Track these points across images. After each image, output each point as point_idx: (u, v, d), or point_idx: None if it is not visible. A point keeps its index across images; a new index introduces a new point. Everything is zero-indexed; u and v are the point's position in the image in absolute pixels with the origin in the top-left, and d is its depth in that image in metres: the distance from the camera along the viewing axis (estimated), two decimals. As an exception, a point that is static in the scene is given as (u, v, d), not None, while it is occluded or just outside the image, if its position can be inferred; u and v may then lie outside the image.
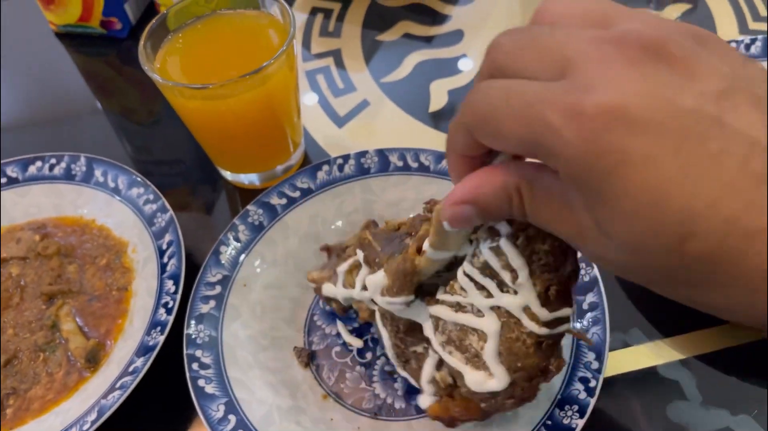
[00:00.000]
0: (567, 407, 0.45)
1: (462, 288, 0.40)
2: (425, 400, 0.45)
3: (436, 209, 0.36)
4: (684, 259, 0.26)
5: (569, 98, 0.26)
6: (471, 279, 0.39)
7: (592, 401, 0.44)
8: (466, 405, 0.43)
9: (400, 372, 0.48)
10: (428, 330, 0.43)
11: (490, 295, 0.38)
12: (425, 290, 0.43)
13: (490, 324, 0.38)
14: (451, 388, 0.44)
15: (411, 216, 0.49)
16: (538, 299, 0.37)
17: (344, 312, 0.53)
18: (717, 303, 0.27)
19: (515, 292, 0.37)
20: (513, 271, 0.36)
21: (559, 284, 0.36)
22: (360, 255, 0.47)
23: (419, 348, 0.45)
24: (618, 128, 0.25)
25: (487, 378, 0.39)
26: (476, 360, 0.40)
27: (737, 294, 0.26)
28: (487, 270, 0.38)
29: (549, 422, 0.44)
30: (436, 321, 0.42)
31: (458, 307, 0.40)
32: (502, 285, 0.38)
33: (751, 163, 0.24)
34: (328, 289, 0.51)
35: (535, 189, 0.31)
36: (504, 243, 0.36)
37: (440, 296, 0.41)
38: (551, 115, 0.27)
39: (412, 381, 0.47)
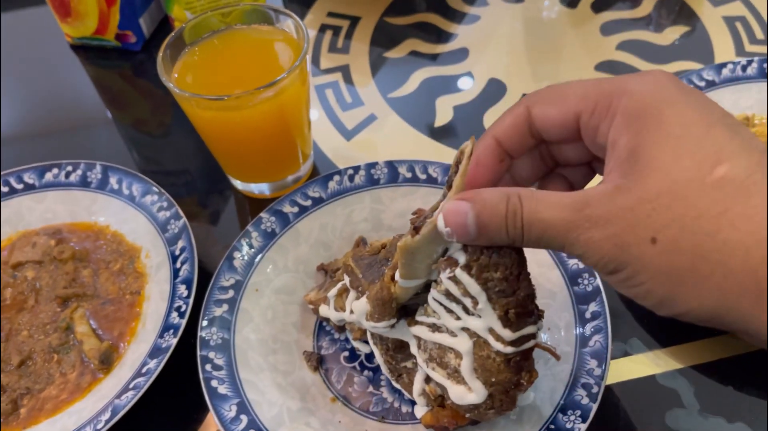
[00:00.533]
0: (570, 412, 0.46)
1: (434, 311, 0.42)
2: (419, 411, 0.48)
3: (399, 245, 0.39)
4: None
5: None
6: (440, 303, 0.42)
7: (594, 406, 0.46)
8: (455, 414, 0.46)
9: (394, 384, 0.50)
10: (413, 347, 0.46)
11: (458, 317, 0.41)
12: (409, 309, 0.45)
13: (462, 344, 0.41)
14: (442, 398, 0.46)
15: (394, 236, 0.51)
16: (500, 321, 0.39)
17: (341, 330, 0.55)
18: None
19: (479, 316, 0.40)
20: (473, 298, 0.39)
21: (517, 306, 0.38)
22: (346, 280, 0.50)
23: (409, 364, 0.48)
24: None
25: (467, 392, 0.42)
26: (456, 375, 0.42)
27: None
28: (450, 296, 0.40)
29: (552, 426, 0.46)
30: (418, 339, 0.45)
31: (434, 328, 0.43)
32: (466, 309, 0.40)
33: None
34: (323, 311, 0.53)
35: (536, 193, 0.34)
36: (459, 273, 0.38)
37: (418, 317, 0.44)
38: None
39: (406, 394, 0.49)
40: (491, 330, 0.39)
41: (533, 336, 0.40)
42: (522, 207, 0.34)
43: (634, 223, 0.31)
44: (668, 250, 0.30)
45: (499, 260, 0.37)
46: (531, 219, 0.34)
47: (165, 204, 0.63)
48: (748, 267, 0.29)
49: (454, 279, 0.39)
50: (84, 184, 0.66)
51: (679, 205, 0.30)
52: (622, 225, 0.31)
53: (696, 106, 0.32)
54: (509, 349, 0.39)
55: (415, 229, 0.39)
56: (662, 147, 0.32)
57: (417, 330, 0.44)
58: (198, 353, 0.51)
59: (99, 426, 0.49)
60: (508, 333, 0.39)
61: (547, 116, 0.38)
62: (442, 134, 0.74)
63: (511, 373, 0.40)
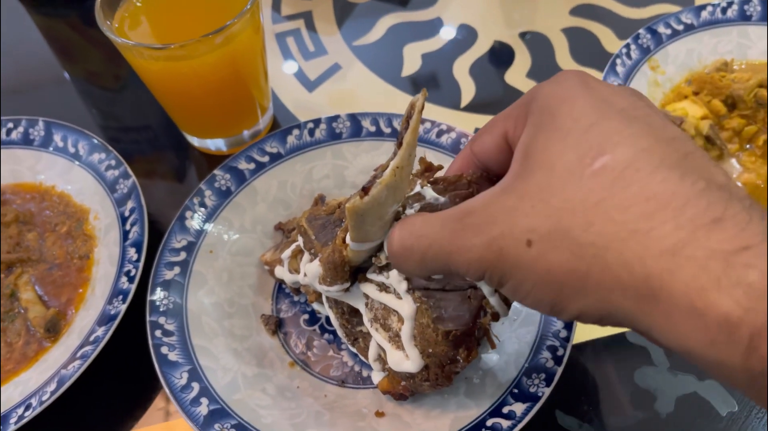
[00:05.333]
0: (534, 375, 0.44)
1: (386, 261, 0.40)
2: (376, 376, 0.46)
3: (347, 207, 0.36)
4: None
5: None
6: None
7: (560, 369, 0.44)
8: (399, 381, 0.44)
9: (351, 349, 0.49)
10: (361, 305, 0.44)
11: (407, 278, 0.40)
12: (363, 269, 0.43)
13: (405, 308, 0.40)
14: None
15: (351, 195, 0.48)
16: None
17: (298, 293, 0.53)
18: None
19: None
20: None
21: None
22: (300, 241, 0.47)
23: (365, 328, 0.46)
24: None
25: (404, 359, 0.41)
26: (397, 340, 0.41)
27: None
28: None
29: (516, 390, 0.44)
30: (367, 297, 0.43)
31: (382, 287, 0.42)
32: None
33: None
34: (279, 272, 0.51)
35: (420, 215, 0.36)
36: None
37: (369, 275, 0.42)
38: None
39: (363, 358, 0.47)
40: None
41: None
42: (405, 228, 0.34)
43: (512, 224, 0.29)
44: (543, 251, 0.28)
45: None
46: (412, 237, 0.33)
47: (113, 162, 0.59)
48: (623, 261, 0.26)
49: None
50: (26, 141, 0.62)
51: (556, 199, 0.28)
52: (501, 227, 0.29)
53: (594, 99, 0.30)
54: None
55: (364, 190, 0.37)
56: (551, 142, 0.30)
57: (366, 287, 0.42)
58: (147, 318, 0.49)
59: (44, 398, 0.47)
60: None
61: (482, 145, 0.38)
62: (411, 84, 0.71)
63: (448, 347, 0.39)
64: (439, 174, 0.43)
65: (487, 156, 0.38)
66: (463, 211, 0.31)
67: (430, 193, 0.39)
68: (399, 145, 0.36)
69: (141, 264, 0.52)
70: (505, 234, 0.29)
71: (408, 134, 0.35)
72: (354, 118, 0.59)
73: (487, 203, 0.31)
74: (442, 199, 0.39)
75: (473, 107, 0.68)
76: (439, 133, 0.57)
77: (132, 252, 0.53)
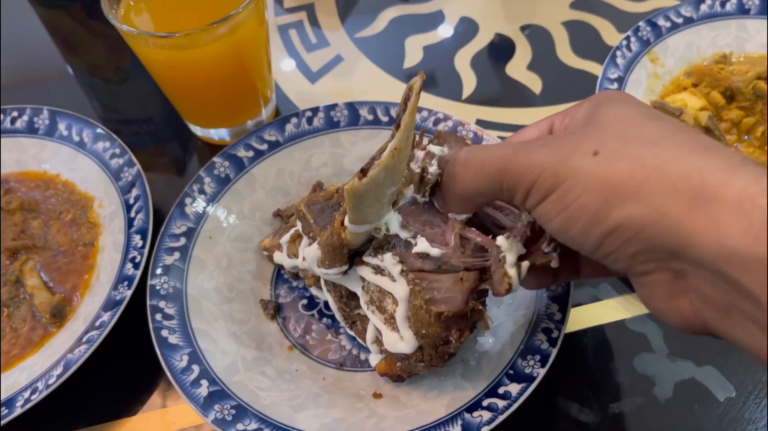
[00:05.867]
0: (529, 357, 0.45)
1: (385, 232, 0.41)
2: (373, 359, 0.46)
3: (346, 189, 0.36)
4: None
5: None
6: (398, 224, 0.41)
7: (554, 351, 0.44)
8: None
9: (349, 332, 0.49)
10: (358, 288, 0.44)
11: (402, 261, 0.40)
12: (360, 252, 0.44)
13: (400, 290, 0.40)
14: None
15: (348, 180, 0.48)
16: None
17: (296, 277, 0.54)
18: None
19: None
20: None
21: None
22: (299, 225, 0.48)
23: (362, 311, 0.46)
24: None
25: (399, 341, 0.41)
26: (392, 322, 0.42)
27: None
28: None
29: (511, 371, 0.44)
30: (363, 280, 0.44)
31: (378, 270, 0.42)
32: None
33: None
34: (277, 257, 0.51)
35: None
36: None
37: (365, 258, 0.43)
38: None
39: (361, 341, 0.47)
40: None
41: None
42: (470, 148, 0.37)
43: (581, 142, 0.32)
44: (608, 158, 0.31)
45: None
46: (474, 151, 0.36)
47: (118, 151, 0.60)
48: (682, 172, 0.29)
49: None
50: (31, 130, 0.63)
51: (622, 125, 0.32)
52: (566, 143, 0.33)
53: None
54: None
55: (363, 172, 0.37)
56: (615, 105, 0.34)
57: (362, 270, 0.43)
58: (147, 302, 0.49)
59: (51, 381, 0.47)
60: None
61: (523, 136, 0.41)
62: (412, 76, 0.71)
63: (441, 328, 0.39)
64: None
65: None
66: (521, 142, 0.35)
67: (436, 148, 0.39)
68: (397, 127, 0.37)
69: (146, 251, 0.53)
70: (573, 148, 0.32)
71: (406, 116, 0.35)
72: (352, 107, 0.59)
73: (547, 136, 0.35)
74: (446, 149, 0.39)
75: (474, 99, 0.69)
76: (436, 122, 0.57)
77: (137, 239, 0.54)
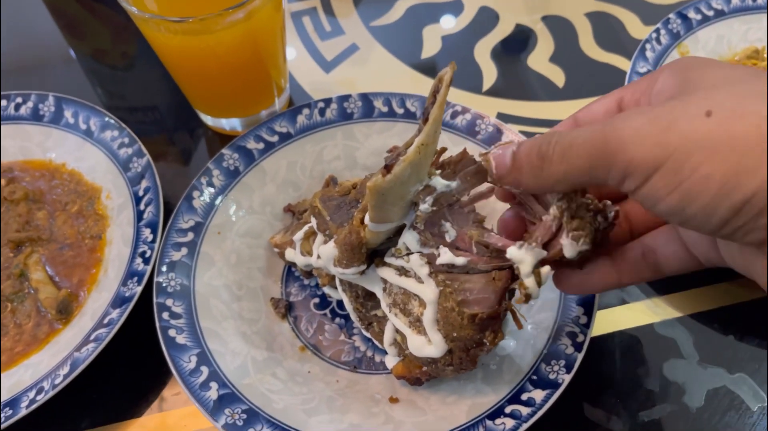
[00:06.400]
0: (553, 362, 0.43)
1: (406, 252, 0.40)
2: (390, 361, 0.45)
3: (369, 185, 0.35)
4: None
5: None
6: (416, 243, 0.39)
7: (580, 356, 0.42)
8: (418, 366, 0.43)
9: (365, 333, 0.47)
10: (378, 291, 0.42)
11: (429, 262, 0.38)
12: (379, 252, 0.42)
13: (428, 292, 0.38)
14: None
15: (366, 175, 0.46)
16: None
17: (309, 275, 0.52)
18: None
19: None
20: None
21: None
22: (313, 222, 0.46)
23: (380, 312, 0.45)
24: None
25: (426, 344, 0.39)
26: (418, 325, 0.40)
27: None
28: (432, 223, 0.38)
29: (535, 377, 0.42)
30: (385, 282, 0.42)
31: (402, 271, 0.40)
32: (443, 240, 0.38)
33: None
34: (290, 255, 0.49)
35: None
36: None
37: (387, 258, 0.41)
38: None
39: (377, 343, 0.46)
40: None
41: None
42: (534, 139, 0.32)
43: (684, 105, 0.27)
44: (725, 119, 0.26)
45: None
46: (563, 138, 0.31)
47: (126, 140, 0.58)
48: None
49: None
50: (36, 117, 0.61)
51: (730, 83, 0.28)
52: (668, 108, 0.28)
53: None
54: None
55: (387, 168, 0.35)
56: (713, 68, 0.30)
57: (384, 272, 0.41)
58: (154, 300, 0.47)
59: (57, 381, 0.45)
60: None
61: (589, 113, 0.37)
62: (430, 66, 0.69)
63: (474, 330, 0.38)
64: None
65: (592, 122, 0.35)
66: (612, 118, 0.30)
67: (439, 182, 0.37)
68: (425, 120, 0.35)
69: (157, 245, 0.51)
70: (677, 111, 0.27)
71: (435, 109, 0.33)
72: (366, 98, 0.57)
73: (641, 107, 0.30)
74: (453, 184, 0.37)
75: (495, 91, 0.66)
76: (454, 114, 0.55)
77: (147, 233, 0.52)
